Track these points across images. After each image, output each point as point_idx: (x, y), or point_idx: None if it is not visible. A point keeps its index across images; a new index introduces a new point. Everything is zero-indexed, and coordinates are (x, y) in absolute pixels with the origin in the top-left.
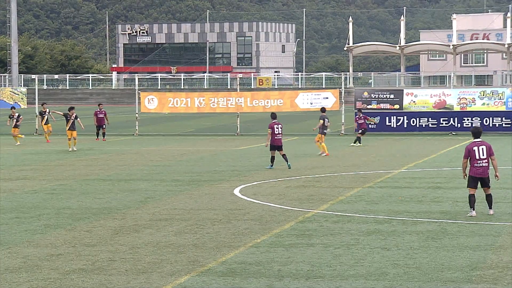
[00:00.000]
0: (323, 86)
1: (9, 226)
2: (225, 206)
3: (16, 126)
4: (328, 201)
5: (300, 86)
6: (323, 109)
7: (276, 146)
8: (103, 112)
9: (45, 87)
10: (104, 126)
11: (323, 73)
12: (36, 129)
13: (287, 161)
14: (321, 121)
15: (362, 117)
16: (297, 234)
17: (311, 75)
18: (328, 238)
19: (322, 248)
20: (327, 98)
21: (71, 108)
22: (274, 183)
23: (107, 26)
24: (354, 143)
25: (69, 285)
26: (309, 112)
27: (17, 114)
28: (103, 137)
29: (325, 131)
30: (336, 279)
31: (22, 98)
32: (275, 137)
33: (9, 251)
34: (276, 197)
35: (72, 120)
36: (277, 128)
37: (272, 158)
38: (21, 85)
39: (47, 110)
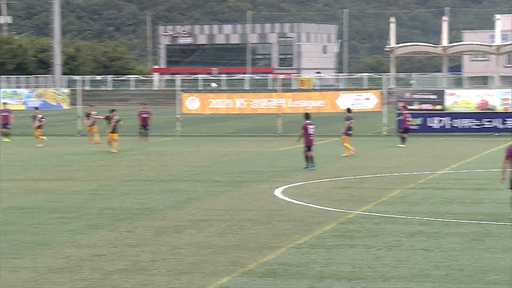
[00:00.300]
0: (365, 87)
1: (52, 226)
2: (266, 207)
3: (39, 127)
4: (370, 202)
5: (341, 87)
6: (349, 110)
7: (310, 146)
8: (148, 112)
9: (87, 88)
10: (147, 126)
11: (365, 74)
12: (79, 130)
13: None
14: (347, 122)
15: (403, 115)
16: (338, 235)
17: (353, 76)
18: (370, 239)
19: (364, 249)
20: (369, 99)
21: (112, 111)
22: (315, 184)
23: (149, 27)
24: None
25: (110, 285)
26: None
27: (40, 116)
28: (146, 137)
29: (349, 132)
30: (378, 280)
31: (64, 99)
32: (309, 137)
33: (51, 251)
34: (317, 198)
35: (114, 123)
36: (310, 128)
37: (311, 158)
38: (63, 86)
39: (94, 112)
